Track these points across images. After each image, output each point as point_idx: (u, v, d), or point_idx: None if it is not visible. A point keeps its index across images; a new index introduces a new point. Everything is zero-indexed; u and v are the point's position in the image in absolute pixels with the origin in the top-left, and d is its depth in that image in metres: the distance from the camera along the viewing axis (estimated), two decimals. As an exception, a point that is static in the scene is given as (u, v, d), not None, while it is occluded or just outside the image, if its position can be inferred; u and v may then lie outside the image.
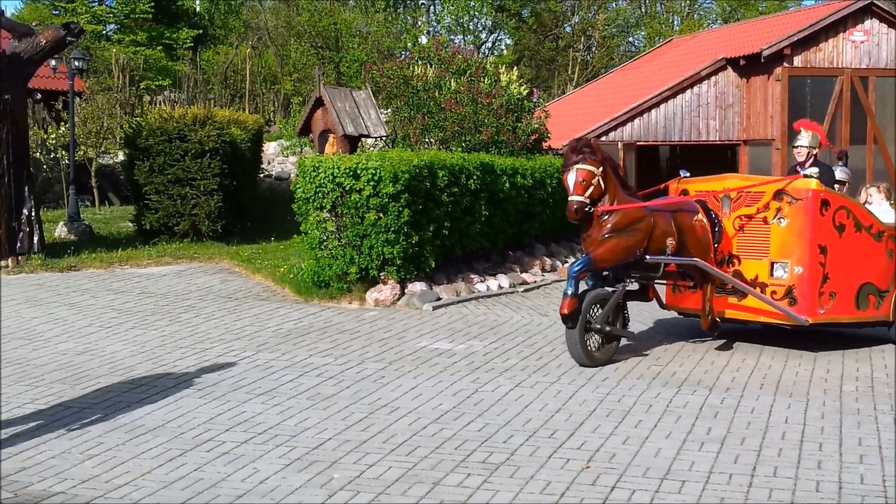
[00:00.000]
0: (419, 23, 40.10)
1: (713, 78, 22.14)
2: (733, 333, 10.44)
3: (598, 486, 5.95)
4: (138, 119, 17.56)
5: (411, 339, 10.20)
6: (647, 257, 9.21)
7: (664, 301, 10.41)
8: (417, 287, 12.26)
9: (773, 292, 9.55)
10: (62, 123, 21.08)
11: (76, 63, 19.32)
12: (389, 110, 16.84)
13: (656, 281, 9.90)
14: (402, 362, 9.13)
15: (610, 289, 9.35)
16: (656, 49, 29.84)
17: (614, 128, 21.51)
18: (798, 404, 7.83)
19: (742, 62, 21.79)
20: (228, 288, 12.83)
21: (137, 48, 37.15)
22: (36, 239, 14.22)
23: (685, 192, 10.29)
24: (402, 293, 12.16)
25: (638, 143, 21.99)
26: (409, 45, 27.53)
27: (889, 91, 21.86)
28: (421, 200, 12.07)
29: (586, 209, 8.89)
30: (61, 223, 17.74)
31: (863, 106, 21.53)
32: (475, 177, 13.04)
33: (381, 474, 6.11)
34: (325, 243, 12.18)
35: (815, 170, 9.80)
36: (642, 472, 6.18)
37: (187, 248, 15.30)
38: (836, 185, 10.43)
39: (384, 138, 17.36)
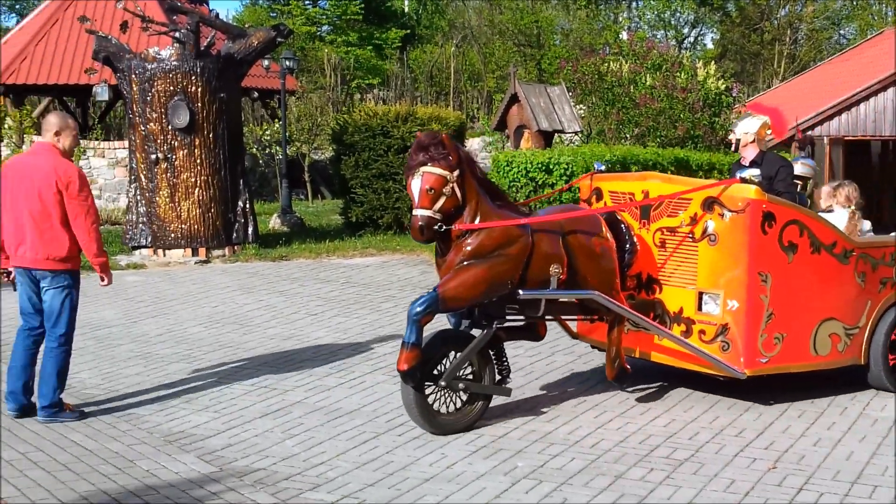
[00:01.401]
0: (620, 19, 39.81)
1: (928, 70, 21.02)
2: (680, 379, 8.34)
3: (784, 486, 5.90)
4: (345, 116, 18.29)
5: (602, 335, 10.23)
6: (521, 292, 6.96)
7: (574, 330, 8.41)
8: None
9: (702, 332, 7.39)
10: (276, 120, 22.19)
11: (287, 63, 20.42)
12: (584, 106, 16.88)
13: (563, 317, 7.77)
14: (592, 354, 9.13)
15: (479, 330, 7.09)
16: (866, 41, 28.53)
17: (820, 122, 20.77)
18: None
19: (962, 52, 20.61)
20: (427, 279, 13.20)
21: (349, 48, 38.51)
22: (250, 230, 15.04)
23: (598, 193, 8.24)
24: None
25: (845, 138, 21.15)
26: (610, 41, 27.38)
27: None
28: (614, 196, 12.08)
29: (436, 226, 6.67)
30: (275, 215, 18.74)
31: None
32: (669, 171, 12.93)
33: (563, 465, 6.24)
34: (519, 238, 12.36)
35: (754, 171, 7.52)
36: (832, 475, 6.08)
37: (390, 241, 15.84)
38: (798, 183, 8.71)
39: (579, 134, 17.43)
